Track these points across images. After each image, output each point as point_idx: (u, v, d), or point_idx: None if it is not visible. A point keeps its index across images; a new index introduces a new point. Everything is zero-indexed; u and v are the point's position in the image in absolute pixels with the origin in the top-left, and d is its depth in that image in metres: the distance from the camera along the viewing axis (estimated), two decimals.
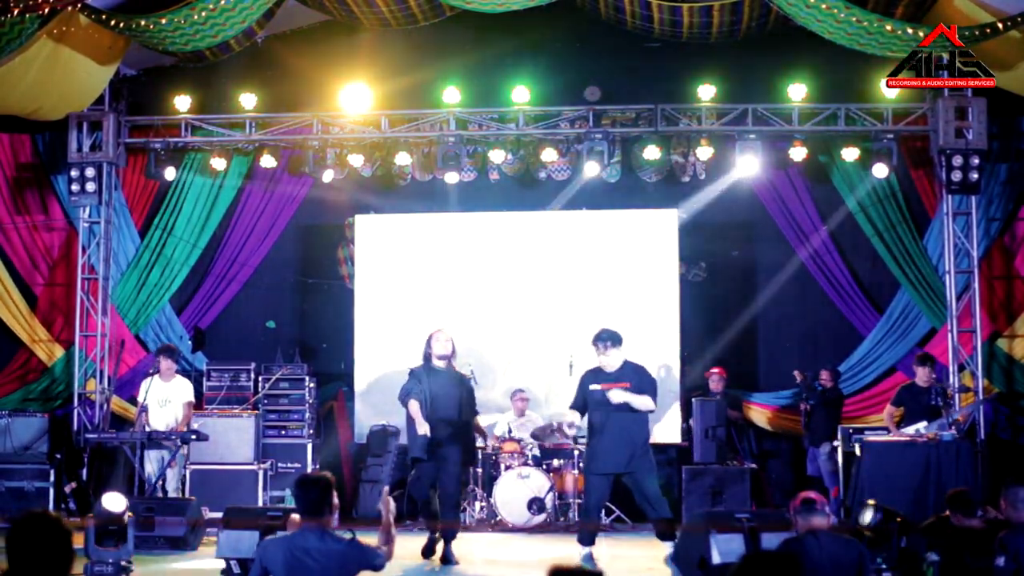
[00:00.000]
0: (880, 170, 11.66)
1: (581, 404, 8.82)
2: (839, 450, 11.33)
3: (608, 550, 9.36)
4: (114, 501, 7.39)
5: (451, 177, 12.15)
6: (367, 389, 12.36)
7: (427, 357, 9.03)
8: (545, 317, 12.34)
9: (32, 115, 11.48)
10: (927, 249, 12.00)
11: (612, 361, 8.72)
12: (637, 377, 8.69)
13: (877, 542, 7.00)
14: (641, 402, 8.59)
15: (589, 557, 8.60)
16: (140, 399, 10.77)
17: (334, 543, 4.98)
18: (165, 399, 10.80)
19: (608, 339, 8.72)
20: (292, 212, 12.86)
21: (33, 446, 11.36)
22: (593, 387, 8.66)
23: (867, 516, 7.09)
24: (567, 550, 9.38)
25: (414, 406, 8.78)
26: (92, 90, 11.39)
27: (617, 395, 8.51)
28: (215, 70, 12.02)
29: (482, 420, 11.45)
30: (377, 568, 5.04)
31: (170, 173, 12.34)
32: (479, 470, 11.25)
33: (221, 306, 12.86)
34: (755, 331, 12.64)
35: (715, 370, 11.94)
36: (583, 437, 9.81)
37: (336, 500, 5.13)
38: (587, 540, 8.72)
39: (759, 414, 12.27)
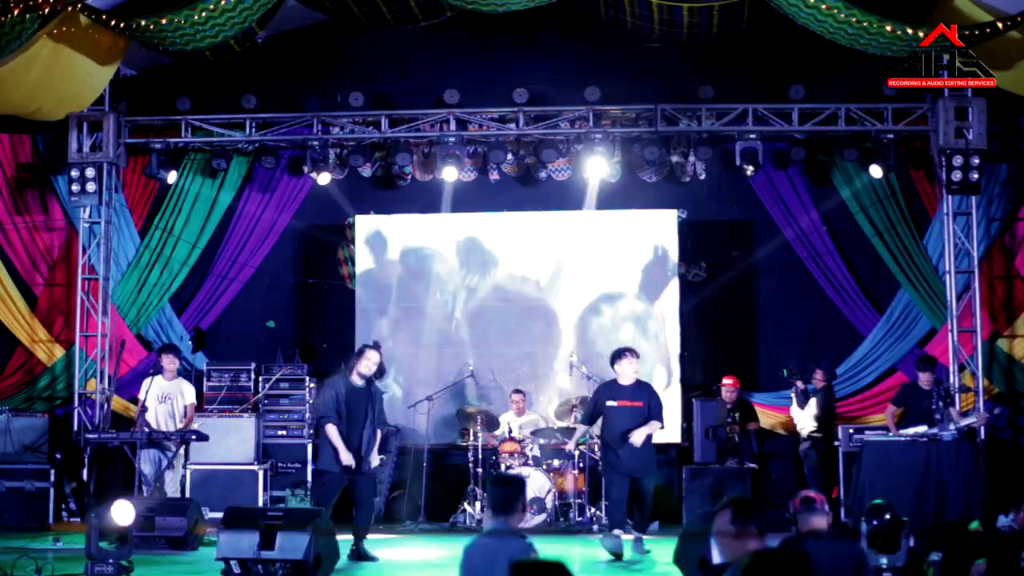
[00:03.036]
0: (879, 170, 11.66)
1: (590, 418, 9.87)
2: (815, 450, 11.44)
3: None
4: (122, 512, 7.36)
5: (450, 173, 12.01)
6: None
7: (350, 371, 9.31)
8: (545, 317, 12.34)
9: (32, 115, 11.47)
10: (927, 249, 12.00)
11: (629, 376, 9.54)
12: (648, 397, 9.58)
13: (885, 544, 6.99)
14: (654, 429, 9.55)
15: (616, 538, 9.29)
16: (141, 398, 10.78)
17: (511, 542, 4.96)
18: (165, 395, 10.81)
19: (631, 352, 9.68)
20: (292, 212, 12.85)
21: (33, 446, 11.37)
22: (611, 403, 9.51)
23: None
24: (568, 550, 9.39)
25: (332, 431, 9.09)
26: (92, 90, 11.39)
27: (638, 437, 9.34)
28: (215, 70, 12.01)
29: (482, 421, 11.56)
30: None
31: (170, 173, 12.35)
32: (479, 470, 11.25)
33: (221, 306, 12.86)
34: (755, 331, 12.64)
35: (728, 382, 11.87)
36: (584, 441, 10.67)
37: (527, 501, 5.13)
38: (621, 523, 9.44)
39: (759, 414, 12.25)
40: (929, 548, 7.17)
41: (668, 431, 11.96)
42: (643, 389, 9.61)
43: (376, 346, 9.65)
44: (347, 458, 9.06)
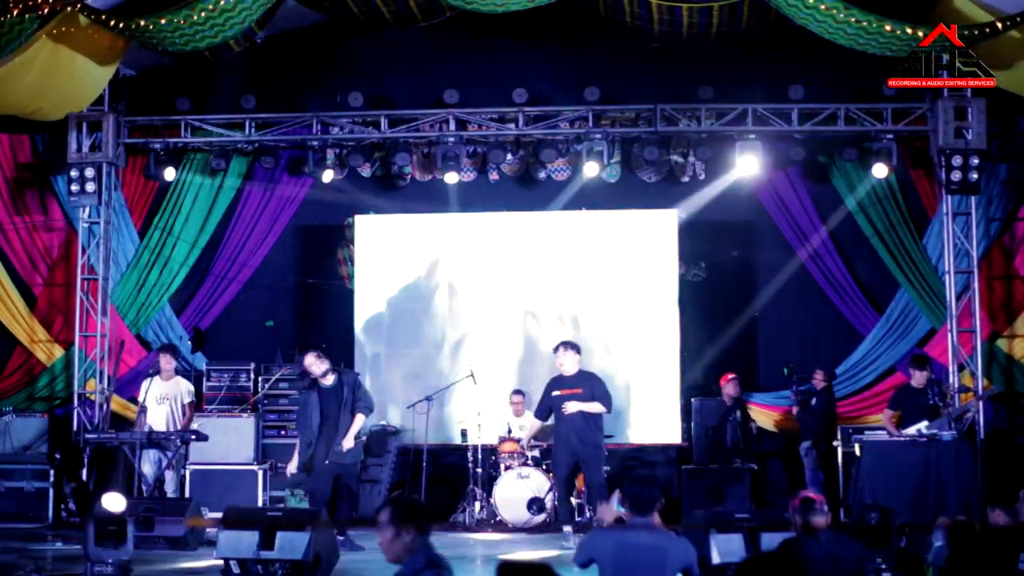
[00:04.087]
0: (880, 170, 11.66)
1: (545, 412, 10.25)
2: (816, 450, 11.46)
3: None
4: (113, 501, 7.39)
5: (451, 177, 12.14)
6: (367, 390, 12.33)
7: (314, 378, 9.81)
8: (545, 317, 12.33)
9: (32, 115, 11.48)
10: (927, 249, 11.99)
11: (568, 367, 10.03)
12: (589, 384, 10.02)
13: (877, 542, 7.00)
14: (592, 407, 9.92)
15: (567, 535, 9.85)
16: (140, 399, 10.78)
17: (661, 537, 5.13)
18: (163, 396, 10.80)
19: (565, 345, 10.19)
20: (292, 212, 12.85)
21: (33, 446, 11.38)
22: (555, 393, 10.04)
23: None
24: (567, 549, 9.40)
25: (298, 441, 9.77)
26: (92, 90, 11.39)
27: (572, 406, 9.87)
28: (215, 70, 12.01)
29: (482, 420, 11.56)
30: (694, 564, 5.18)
31: (170, 173, 12.35)
32: (479, 470, 11.26)
33: (221, 306, 12.85)
34: (755, 331, 12.63)
35: (730, 375, 11.83)
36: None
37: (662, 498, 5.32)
38: (566, 518, 10.14)
39: (759, 414, 12.25)
40: (929, 547, 7.16)
41: (668, 431, 12.02)
42: (584, 377, 10.07)
43: (307, 349, 10.07)
44: (292, 467, 9.68)
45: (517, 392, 11.84)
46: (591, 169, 11.82)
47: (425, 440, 11.53)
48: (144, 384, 10.76)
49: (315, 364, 9.70)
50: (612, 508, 5.61)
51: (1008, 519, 6.29)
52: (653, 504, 5.21)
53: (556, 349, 10.20)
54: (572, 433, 9.87)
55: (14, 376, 12.67)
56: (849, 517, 9.91)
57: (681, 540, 5.22)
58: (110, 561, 7.27)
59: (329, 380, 9.70)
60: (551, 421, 11.56)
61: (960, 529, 6.22)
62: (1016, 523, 6.33)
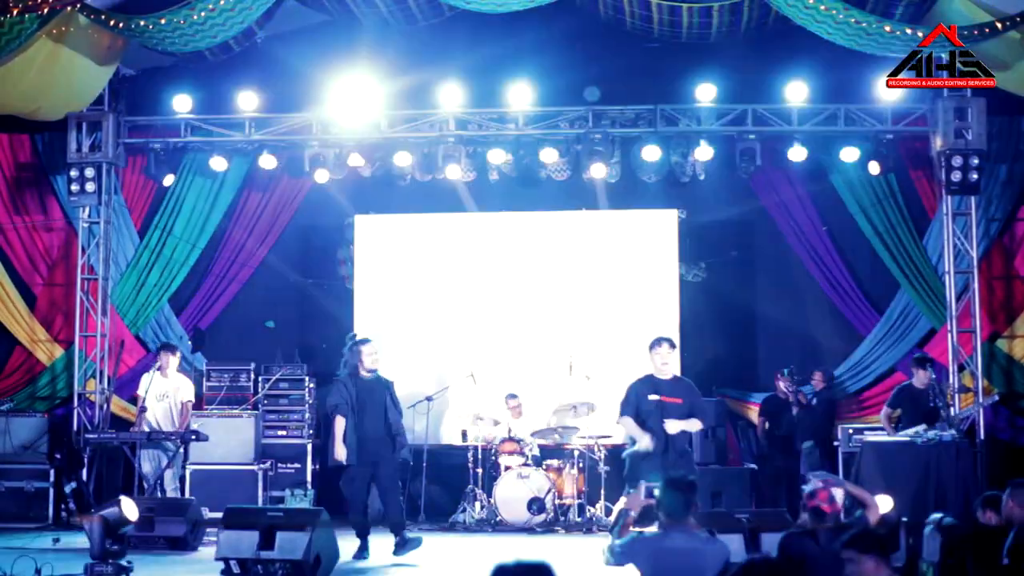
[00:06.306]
0: (877, 167, 11.64)
1: (635, 412, 8.55)
2: (816, 449, 11.43)
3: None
4: (131, 508, 7.41)
5: (453, 172, 12.05)
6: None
7: (355, 368, 9.30)
8: (545, 317, 12.34)
9: (32, 115, 11.49)
10: (927, 249, 11.99)
11: (671, 367, 8.74)
12: (690, 394, 8.66)
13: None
14: (694, 427, 8.68)
15: None
16: (140, 394, 10.78)
17: (698, 541, 5.19)
18: (163, 394, 10.81)
19: (671, 343, 8.74)
20: (292, 212, 12.87)
21: (33, 446, 11.38)
22: (652, 397, 8.51)
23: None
24: (567, 549, 9.41)
25: (338, 424, 9.10)
26: (91, 90, 11.40)
27: (674, 426, 8.40)
28: (215, 70, 12.00)
29: (482, 421, 11.58)
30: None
31: (169, 174, 12.34)
32: (479, 470, 11.26)
33: (221, 306, 12.86)
34: (755, 331, 12.64)
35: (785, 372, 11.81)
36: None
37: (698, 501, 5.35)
38: None
39: (759, 414, 12.24)
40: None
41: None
42: (686, 388, 8.70)
43: (364, 340, 9.50)
44: (340, 453, 9.07)
45: (512, 396, 11.82)
46: (591, 169, 11.80)
47: (425, 440, 11.54)
48: (145, 379, 10.77)
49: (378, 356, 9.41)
50: (641, 497, 5.65)
51: (999, 519, 6.30)
52: (688, 509, 5.23)
53: (659, 344, 8.65)
54: (676, 448, 8.43)
55: (14, 376, 12.67)
56: (849, 517, 9.90)
57: (717, 542, 5.24)
58: (109, 561, 7.27)
59: (369, 375, 9.31)
60: (528, 425, 11.54)
61: (953, 528, 6.23)
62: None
